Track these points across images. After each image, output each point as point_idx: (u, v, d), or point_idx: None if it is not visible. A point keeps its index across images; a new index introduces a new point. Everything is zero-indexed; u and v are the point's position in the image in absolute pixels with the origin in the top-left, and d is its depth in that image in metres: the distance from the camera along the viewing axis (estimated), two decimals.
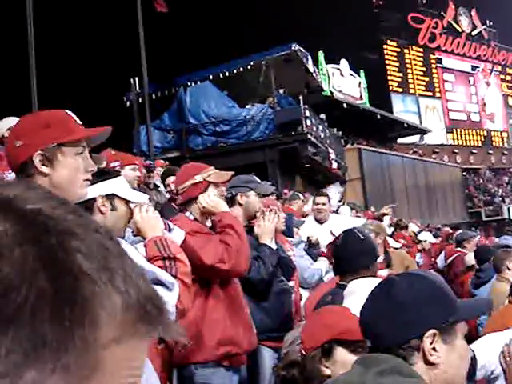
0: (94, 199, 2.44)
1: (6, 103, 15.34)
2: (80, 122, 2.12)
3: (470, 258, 7.17)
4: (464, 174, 45.06)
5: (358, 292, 2.96)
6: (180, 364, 3.25)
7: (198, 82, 22.14)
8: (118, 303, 0.49)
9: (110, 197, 2.54)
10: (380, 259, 5.57)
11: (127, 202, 2.62)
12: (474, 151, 48.96)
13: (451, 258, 9.42)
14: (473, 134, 50.62)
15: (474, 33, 52.78)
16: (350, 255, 3.27)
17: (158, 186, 7.33)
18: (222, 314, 3.32)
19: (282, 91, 21.25)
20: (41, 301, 0.44)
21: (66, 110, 2.13)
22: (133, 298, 0.50)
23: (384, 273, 5.10)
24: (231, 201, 4.10)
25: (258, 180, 4.42)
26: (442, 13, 50.53)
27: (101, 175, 2.42)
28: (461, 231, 12.19)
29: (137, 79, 21.05)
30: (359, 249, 3.32)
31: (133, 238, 3.33)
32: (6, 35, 15.13)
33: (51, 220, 0.49)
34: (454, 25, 51.35)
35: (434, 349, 1.51)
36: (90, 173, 2.06)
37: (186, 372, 3.24)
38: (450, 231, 15.11)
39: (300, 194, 9.34)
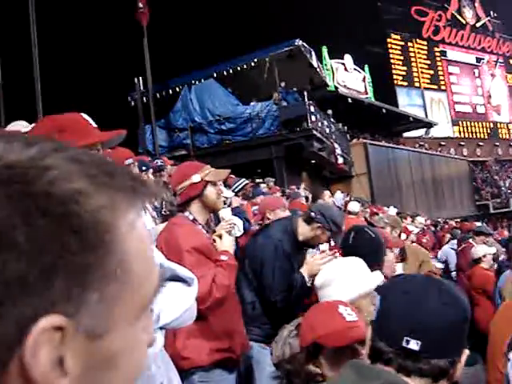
0: None
1: (11, 105, 15.39)
2: (95, 125, 2.11)
3: (477, 251, 7.13)
4: (471, 166, 44.90)
5: (338, 280, 2.97)
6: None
7: (202, 80, 22.15)
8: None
9: None
10: (396, 253, 5.60)
11: None
12: (480, 144, 48.80)
13: (459, 249, 9.43)
14: (479, 127, 50.46)
15: (478, 24, 52.57)
16: (362, 253, 3.24)
17: (168, 184, 7.30)
18: (217, 322, 3.30)
19: (283, 84, 21.17)
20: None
21: (82, 114, 2.13)
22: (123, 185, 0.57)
23: (399, 266, 5.09)
24: (310, 220, 4.03)
25: (343, 225, 4.33)
26: (446, 5, 50.35)
27: None
28: (480, 225, 12.20)
29: (141, 78, 21.05)
30: (370, 246, 3.30)
31: None
32: (10, 36, 15.16)
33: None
34: (458, 17, 51.17)
35: None
36: None
37: (184, 374, 3.23)
38: (454, 225, 15.08)
39: (302, 192, 9.29)
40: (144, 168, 5.61)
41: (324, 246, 4.14)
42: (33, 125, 2.13)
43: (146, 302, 0.59)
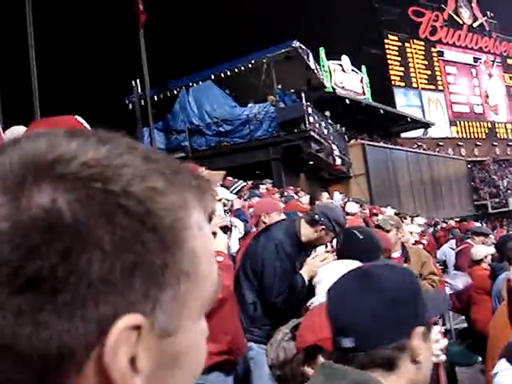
0: None
1: (8, 108, 15.38)
2: (89, 128, 2.10)
3: (478, 252, 7.12)
4: (469, 166, 44.95)
5: (327, 279, 2.95)
6: None
7: (200, 82, 22.15)
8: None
9: None
10: (398, 254, 5.58)
11: None
12: (478, 143, 48.88)
13: (458, 249, 9.42)
14: (477, 127, 50.53)
15: (475, 24, 52.65)
16: (351, 256, 3.21)
17: None
18: (215, 325, 3.30)
19: (279, 86, 21.19)
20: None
21: (77, 116, 2.12)
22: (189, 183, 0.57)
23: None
24: (313, 222, 4.02)
25: (344, 225, 4.32)
26: (443, 5, 50.43)
27: None
28: (480, 226, 12.20)
29: (138, 81, 21.04)
30: (360, 248, 3.28)
31: None
32: (6, 38, 15.17)
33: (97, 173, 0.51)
34: (455, 17, 51.22)
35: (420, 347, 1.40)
36: None
37: None
38: (453, 225, 15.11)
39: (294, 195, 9.27)
40: None
41: (321, 248, 4.13)
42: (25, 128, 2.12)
43: (208, 300, 0.60)
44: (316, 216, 3.99)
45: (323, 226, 3.95)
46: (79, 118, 2.08)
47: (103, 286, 0.48)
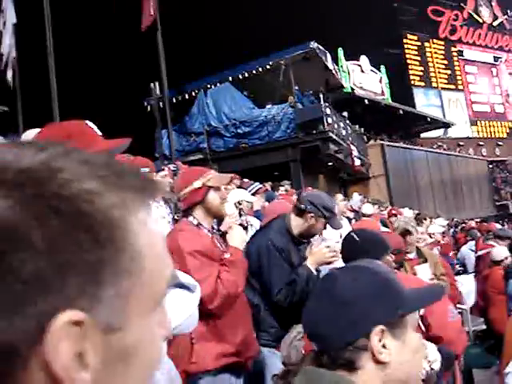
0: None
1: (28, 112, 15.57)
2: (100, 133, 2.12)
3: (497, 253, 7.07)
4: (490, 166, 44.54)
5: None
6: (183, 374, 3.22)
7: (218, 84, 22.21)
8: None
9: None
10: (414, 255, 5.56)
11: None
12: (499, 143, 48.39)
13: (482, 252, 9.31)
14: (498, 126, 50.07)
15: (495, 23, 52.19)
16: (350, 258, 3.19)
17: None
18: (224, 326, 3.29)
19: (297, 88, 21.17)
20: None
21: (87, 121, 2.14)
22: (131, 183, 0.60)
23: (424, 267, 5.06)
24: (301, 212, 4.03)
25: (336, 210, 4.33)
26: (462, 4, 50.07)
27: None
28: (502, 228, 12.08)
29: (157, 84, 21.17)
30: (357, 250, 3.26)
31: None
32: (26, 42, 15.35)
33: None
34: (475, 16, 50.83)
35: (383, 346, 1.38)
36: None
37: (191, 379, 3.22)
38: (473, 225, 14.96)
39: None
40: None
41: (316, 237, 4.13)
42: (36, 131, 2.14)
43: (159, 296, 0.61)
44: (302, 206, 4.01)
45: (311, 214, 3.96)
46: (89, 123, 2.09)
47: (39, 284, 0.51)
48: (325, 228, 4.13)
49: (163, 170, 4.96)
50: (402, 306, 1.43)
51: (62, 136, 1.98)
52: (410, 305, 1.46)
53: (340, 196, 6.95)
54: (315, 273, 3.84)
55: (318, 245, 3.96)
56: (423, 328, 3.63)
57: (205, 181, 3.45)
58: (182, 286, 2.17)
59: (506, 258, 6.89)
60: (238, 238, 3.43)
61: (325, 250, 3.84)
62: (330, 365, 1.40)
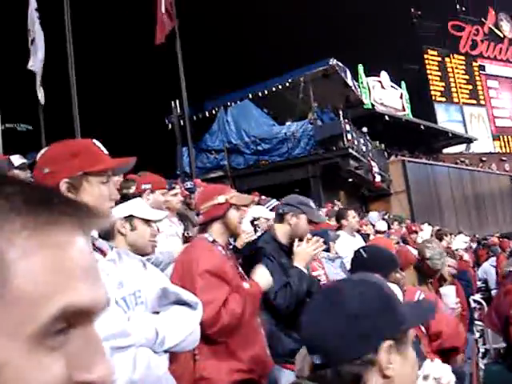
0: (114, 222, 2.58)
1: (50, 129, 15.76)
2: (106, 152, 2.16)
3: (507, 265, 6.98)
4: None
5: None
6: None
7: (238, 102, 22.34)
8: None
9: (129, 218, 2.66)
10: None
11: (147, 220, 2.73)
12: None
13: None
14: None
15: None
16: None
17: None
18: (235, 343, 3.28)
19: (316, 104, 21.20)
20: None
21: (94, 140, 2.18)
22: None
23: (449, 289, 5.01)
24: (281, 217, 4.08)
25: (313, 205, 4.37)
26: (483, 19, 49.91)
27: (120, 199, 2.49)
28: None
29: (177, 102, 21.34)
30: (364, 266, 3.26)
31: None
32: (49, 60, 15.59)
33: None
34: (496, 30, 50.61)
35: (389, 361, 1.37)
36: (113, 201, 2.11)
37: None
38: (496, 240, 14.78)
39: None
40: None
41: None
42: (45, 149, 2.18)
43: (37, 327, 0.57)
44: (280, 210, 4.07)
45: (290, 213, 4.00)
46: (96, 142, 2.13)
47: None
48: (309, 223, 4.14)
49: (173, 188, 4.97)
50: (404, 321, 1.42)
51: (68, 154, 2.02)
52: (411, 320, 1.45)
53: (352, 212, 6.90)
54: (306, 271, 3.85)
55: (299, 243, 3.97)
56: (423, 329, 3.61)
57: (228, 197, 3.49)
58: (183, 303, 2.18)
59: None
60: (263, 278, 3.43)
61: (304, 246, 3.86)
62: (334, 379, 1.38)
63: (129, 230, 2.72)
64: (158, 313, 2.10)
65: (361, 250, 3.57)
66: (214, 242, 3.43)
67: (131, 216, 2.74)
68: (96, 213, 0.66)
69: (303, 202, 4.09)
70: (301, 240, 4.10)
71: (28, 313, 0.57)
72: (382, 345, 1.35)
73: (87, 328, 0.62)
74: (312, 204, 4.31)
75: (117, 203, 2.40)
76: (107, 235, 2.51)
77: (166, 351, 2.05)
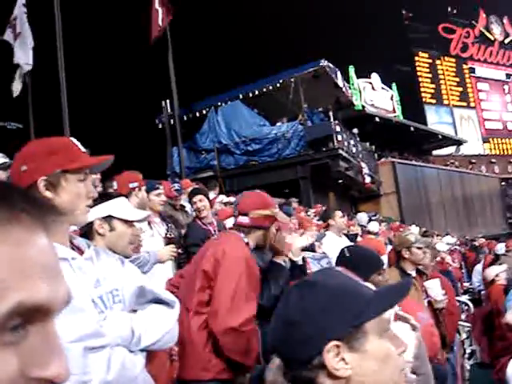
0: (93, 222, 2.56)
1: (39, 130, 15.69)
2: (84, 150, 2.15)
3: (489, 274, 7.00)
4: (502, 184, 44.27)
5: None
6: (182, 380, 3.21)
7: (228, 102, 22.31)
8: None
9: (108, 218, 2.64)
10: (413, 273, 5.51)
11: (127, 221, 2.71)
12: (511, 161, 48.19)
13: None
14: (510, 143, 49.84)
15: (506, 41, 52.17)
16: None
17: (185, 207, 7.35)
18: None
19: (306, 105, 21.20)
20: None
21: (71, 138, 2.17)
22: None
23: (433, 283, 5.03)
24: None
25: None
26: (474, 22, 50.16)
27: (99, 198, 2.47)
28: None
29: (168, 102, 21.29)
30: (346, 266, 3.27)
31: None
32: (38, 60, 15.50)
33: None
34: (486, 33, 50.87)
35: (344, 361, 1.31)
36: (91, 199, 2.11)
37: None
38: (483, 242, 14.85)
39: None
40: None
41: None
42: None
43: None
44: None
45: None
46: (74, 140, 2.13)
47: None
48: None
49: (157, 188, 4.96)
50: (360, 315, 1.35)
51: (45, 152, 2.01)
52: (371, 311, 1.37)
53: (339, 213, 6.91)
54: (284, 264, 3.87)
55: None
56: None
57: (276, 212, 3.55)
58: (161, 301, 2.18)
59: (497, 275, 6.79)
60: None
61: (289, 240, 3.89)
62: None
63: (107, 231, 2.69)
64: (135, 311, 2.10)
65: (345, 250, 3.57)
66: (247, 244, 3.47)
67: (110, 216, 2.71)
68: (57, 210, 0.67)
69: None
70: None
71: None
72: (326, 347, 1.31)
73: (45, 325, 0.63)
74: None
75: (98, 203, 2.40)
76: (87, 235, 2.49)
77: (142, 350, 2.04)
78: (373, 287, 1.63)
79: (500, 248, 10.77)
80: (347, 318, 1.34)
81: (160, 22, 17.94)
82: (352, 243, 6.70)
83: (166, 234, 4.76)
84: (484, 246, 13.58)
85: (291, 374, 1.37)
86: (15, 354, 0.59)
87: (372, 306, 1.37)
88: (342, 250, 3.59)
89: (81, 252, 2.02)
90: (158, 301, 2.16)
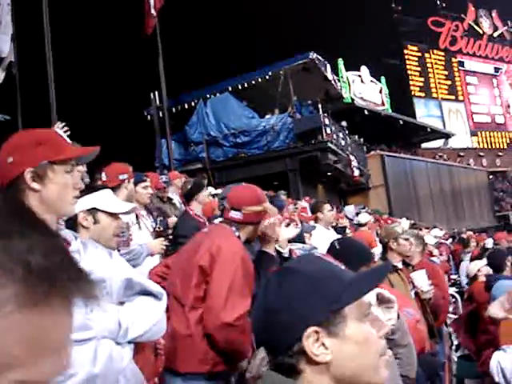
0: (77, 215, 2.54)
1: (27, 121, 15.58)
2: (70, 142, 2.15)
3: (471, 269, 7.01)
4: (490, 177, 44.54)
5: None
6: (168, 370, 3.22)
7: (218, 94, 22.27)
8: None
9: (92, 211, 2.62)
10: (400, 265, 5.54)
11: (112, 214, 2.69)
12: (499, 154, 48.40)
13: None
14: (498, 137, 50.09)
15: (495, 34, 52.35)
16: None
17: (172, 199, 7.33)
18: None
19: (295, 98, 21.21)
20: None
21: (57, 130, 2.17)
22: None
23: (419, 274, 5.06)
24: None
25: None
26: (463, 15, 50.27)
27: (84, 190, 2.46)
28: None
29: (156, 93, 21.19)
30: (337, 258, 3.27)
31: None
32: (25, 50, 15.39)
33: None
34: (475, 27, 51.01)
35: (324, 346, 1.30)
36: (78, 190, 2.10)
37: (174, 382, 3.24)
38: (471, 235, 14.89)
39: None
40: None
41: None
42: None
43: None
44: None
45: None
46: (59, 131, 2.12)
47: None
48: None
49: (144, 180, 4.93)
50: (336, 300, 1.34)
51: (31, 143, 2.00)
52: (349, 296, 1.36)
53: (328, 206, 6.92)
54: (274, 254, 3.87)
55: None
56: None
57: (267, 207, 3.58)
58: (149, 293, 2.18)
59: (479, 271, 6.80)
60: None
61: (266, 230, 3.84)
62: (276, 371, 1.37)
63: (91, 223, 2.66)
64: (123, 303, 2.10)
65: (335, 242, 3.58)
66: (238, 237, 3.48)
67: (95, 209, 2.69)
68: (92, 284, 0.63)
69: None
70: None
71: None
72: (305, 333, 1.31)
73: None
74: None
75: (82, 195, 2.38)
76: (71, 227, 2.48)
77: (130, 342, 2.04)
78: None
79: (488, 242, 10.81)
80: (325, 303, 1.34)
81: (153, 11, 17.85)
82: (339, 236, 6.73)
83: (155, 228, 4.74)
84: (471, 238, 13.61)
85: (273, 362, 1.37)
86: None
87: (350, 290, 1.36)
88: (333, 242, 3.60)
89: (68, 244, 2.02)
90: (146, 293, 2.16)
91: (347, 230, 8.77)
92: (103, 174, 4.46)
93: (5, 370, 0.55)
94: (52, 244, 0.60)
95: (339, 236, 6.63)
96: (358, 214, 12.12)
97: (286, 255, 4.06)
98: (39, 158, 1.98)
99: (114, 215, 2.73)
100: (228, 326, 3.12)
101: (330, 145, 20.45)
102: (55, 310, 0.58)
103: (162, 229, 4.74)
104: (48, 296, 0.57)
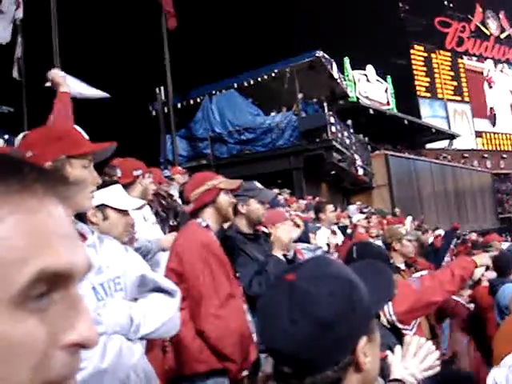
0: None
1: (32, 112, 15.60)
2: (87, 137, 2.16)
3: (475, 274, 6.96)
4: (494, 179, 44.42)
5: None
6: (178, 374, 3.23)
7: (223, 91, 22.25)
8: None
9: (101, 207, 2.63)
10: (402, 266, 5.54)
11: (121, 210, 2.70)
12: (504, 156, 48.24)
13: None
14: (503, 139, 49.93)
15: (502, 36, 52.15)
16: None
17: (172, 196, 7.27)
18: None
19: (300, 96, 21.16)
20: None
21: (75, 126, 2.19)
22: None
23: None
24: (235, 211, 4.08)
25: (260, 186, 4.43)
26: (470, 16, 50.06)
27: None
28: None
29: (162, 89, 21.18)
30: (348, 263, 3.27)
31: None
32: (32, 44, 15.42)
33: None
34: (482, 28, 50.82)
35: (365, 354, 1.27)
36: (95, 185, 2.12)
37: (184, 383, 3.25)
38: (474, 237, 14.85)
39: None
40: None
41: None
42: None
43: (15, 292, 0.58)
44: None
45: (240, 203, 4.11)
46: (78, 128, 2.14)
47: None
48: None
49: (148, 176, 4.95)
50: (373, 305, 1.32)
51: (51, 138, 2.02)
52: (379, 303, 1.36)
53: (330, 207, 6.92)
54: (283, 258, 3.88)
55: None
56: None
57: (216, 183, 3.53)
58: (161, 290, 2.19)
59: (482, 275, 6.73)
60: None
61: (279, 234, 3.89)
62: None
63: (101, 220, 2.68)
64: (136, 300, 2.11)
65: (353, 249, 3.59)
66: (207, 227, 3.48)
67: (104, 205, 2.70)
68: (70, 180, 0.67)
69: (248, 188, 4.19)
70: (260, 223, 4.19)
71: (4, 278, 0.57)
72: (358, 345, 1.25)
73: (69, 291, 0.63)
74: (258, 185, 4.39)
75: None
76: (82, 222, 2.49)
77: (142, 338, 2.05)
78: None
79: (505, 245, 10.72)
80: (368, 309, 1.30)
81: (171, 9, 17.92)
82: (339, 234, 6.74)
83: (170, 222, 4.76)
84: (476, 240, 13.56)
85: (310, 380, 1.24)
86: (42, 322, 0.60)
87: (378, 297, 1.34)
88: (352, 248, 3.61)
89: (84, 238, 2.03)
90: (160, 290, 2.17)
91: (348, 230, 8.77)
92: (118, 170, 4.47)
93: (23, 265, 0.58)
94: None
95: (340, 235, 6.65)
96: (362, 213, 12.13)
97: (290, 257, 4.06)
98: (58, 152, 2.00)
99: (124, 212, 2.74)
100: (213, 316, 3.16)
101: (334, 143, 20.42)
102: (35, 198, 0.61)
103: (175, 223, 4.76)
104: (22, 188, 0.61)
